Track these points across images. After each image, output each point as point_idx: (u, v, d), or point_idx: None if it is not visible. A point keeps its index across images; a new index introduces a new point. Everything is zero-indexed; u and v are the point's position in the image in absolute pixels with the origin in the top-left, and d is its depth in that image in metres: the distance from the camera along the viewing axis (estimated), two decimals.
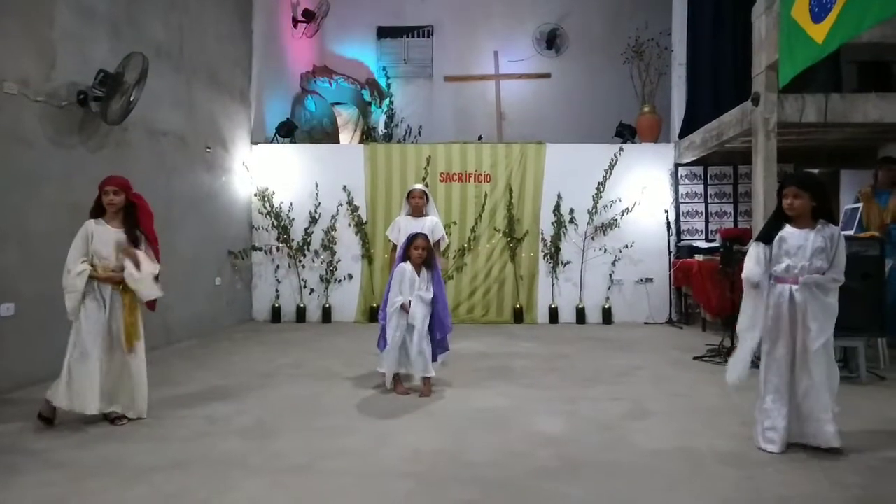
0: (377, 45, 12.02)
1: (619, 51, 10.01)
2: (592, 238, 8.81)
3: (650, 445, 3.53)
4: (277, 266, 8.93)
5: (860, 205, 6.17)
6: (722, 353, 5.88)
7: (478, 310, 8.82)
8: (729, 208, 8.87)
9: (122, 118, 5.70)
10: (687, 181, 8.89)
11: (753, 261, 3.52)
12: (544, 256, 8.84)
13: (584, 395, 4.67)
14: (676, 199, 8.86)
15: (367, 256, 8.89)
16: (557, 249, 8.78)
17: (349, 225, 8.93)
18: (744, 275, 3.55)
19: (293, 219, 8.90)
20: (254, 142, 9.00)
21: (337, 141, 9.94)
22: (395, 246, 5.46)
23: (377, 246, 8.82)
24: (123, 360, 3.95)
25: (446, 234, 6.13)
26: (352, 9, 11.55)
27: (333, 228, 8.89)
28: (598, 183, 8.80)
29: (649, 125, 9.34)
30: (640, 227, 8.77)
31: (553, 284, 8.81)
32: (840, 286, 3.41)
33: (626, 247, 8.72)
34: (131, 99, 5.62)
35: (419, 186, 5.66)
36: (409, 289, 4.65)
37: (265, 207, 8.90)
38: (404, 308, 4.60)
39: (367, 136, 10.49)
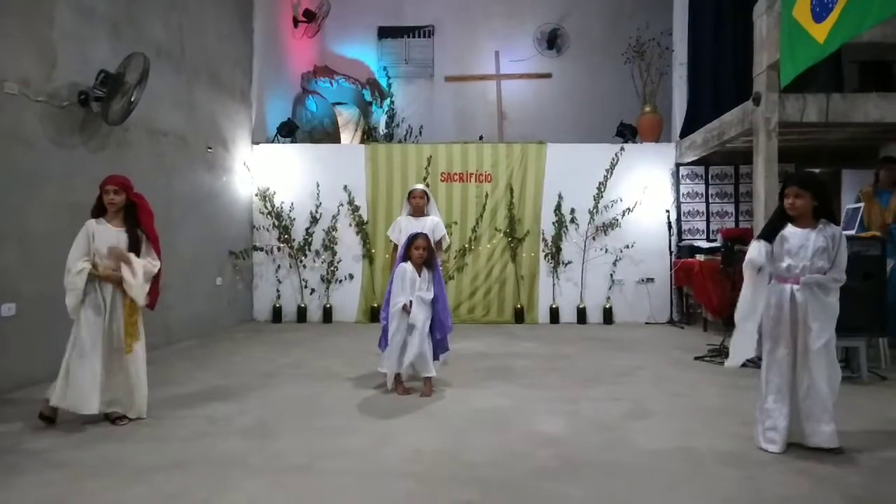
0: (378, 45, 12.01)
1: (620, 50, 10.01)
2: (593, 238, 8.80)
3: (651, 445, 3.53)
4: (278, 266, 8.93)
5: (861, 204, 6.16)
6: (723, 354, 5.87)
7: (478, 310, 8.81)
8: (730, 208, 8.86)
9: (123, 118, 5.71)
10: (688, 181, 8.88)
11: (756, 251, 3.52)
12: (545, 256, 8.83)
13: (584, 395, 4.67)
14: (677, 198, 8.86)
15: (368, 256, 8.89)
16: (558, 249, 8.78)
17: (350, 225, 8.93)
18: (747, 258, 3.54)
19: (294, 219, 8.91)
20: (255, 142, 9.00)
21: (338, 141, 9.95)
22: (396, 246, 5.46)
23: (378, 246, 8.82)
24: (123, 361, 3.95)
25: (447, 233, 6.13)
26: (352, 9, 11.54)
27: (334, 228, 8.89)
28: (599, 183, 8.80)
29: (650, 125, 9.34)
30: (641, 227, 8.76)
31: (554, 284, 8.81)
32: (841, 286, 3.41)
33: (627, 247, 8.72)
34: (132, 99, 5.63)
35: (420, 186, 5.67)
36: (410, 289, 4.64)
37: (266, 207, 8.90)
38: (405, 309, 4.60)
39: (368, 136, 10.49)
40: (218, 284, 8.02)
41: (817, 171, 8.10)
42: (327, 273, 8.88)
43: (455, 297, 8.62)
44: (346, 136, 10.21)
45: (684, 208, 8.87)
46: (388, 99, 11.58)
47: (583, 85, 11.31)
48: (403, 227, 5.42)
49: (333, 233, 8.88)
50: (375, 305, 8.62)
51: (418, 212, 5.48)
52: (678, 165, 8.87)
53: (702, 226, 8.87)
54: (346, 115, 10.35)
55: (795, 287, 3.41)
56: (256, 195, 8.94)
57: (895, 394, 4.70)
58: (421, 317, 4.65)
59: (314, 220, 8.89)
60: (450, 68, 11.81)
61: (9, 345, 4.76)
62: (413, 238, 4.73)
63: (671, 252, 8.62)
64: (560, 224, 8.78)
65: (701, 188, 8.89)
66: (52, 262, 4.21)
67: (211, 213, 7.86)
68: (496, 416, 4.12)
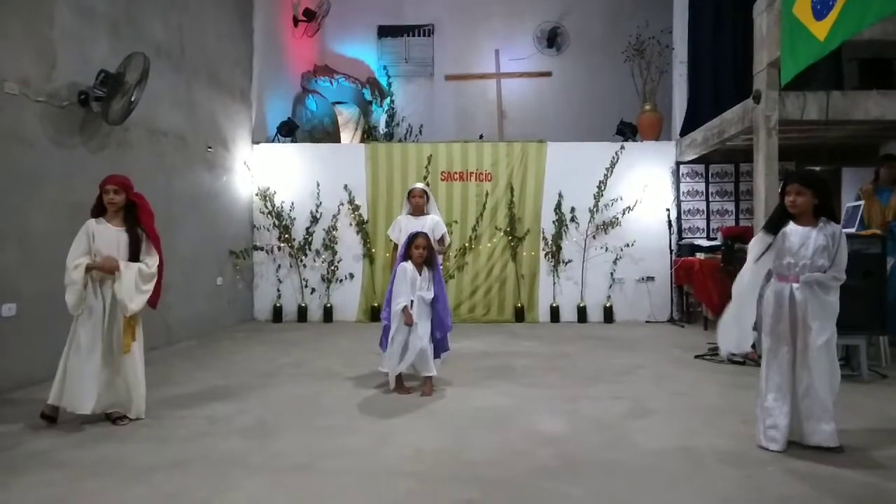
0: (378, 45, 12.01)
1: (620, 49, 10.02)
2: (594, 237, 8.80)
3: (651, 444, 3.53)
4: (279, 265, 8.93)
5: (861, 202, 6.16)
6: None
7: (479, 309, 8.81)
8: (730, 206, 8.86)
9: (123, 118, 5.71)
10: (688, 179, 8.88)
11: (760, 237, 3.53)
12: (545, 255, 8.83)
13: (585, 394, 4.66)
14: (678, 197, 8.85)
15: (369, 256, 8.88)
16: (559, 248, 8.78)
17: (350, 224, 8.93)
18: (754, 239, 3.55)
19: (294, 218, 8.91)
20: (255, 141, 9.00)
21: (338, 140, 9.95)
22: (396, 245, 5.47)
23: (378, 245, 8.82)
24: (121, 361, 3.95)
25: (448, 232, 6.12)
26: (352, 8, 11.54)
27: (335, 228, 8.89)
28: (600, 181, 8.79)
29: (650, 123, 9.34)
30: (642, 226, 8.76)
31: (554, 283, 8.81)
32: (841, 284, 3.41)
33: (628, 245, 8.71)
34: (132, 99, 5.63)
35: (420, 185, 5.67)
36: (411, 288, 4.64)
37: (266, 207, 8.90)
38: (406, 311, 4.60)
39: (368, 135, 10.49)
40: (218, 284, 8.02)
41: (818, 168, 8.09)
42: (328, 272, 8.88)
43: (455, 296, 8.62)
44: (346, 136, 10.21)
45: (684, 206, 8.86)
46: (388, 98, 11.58)
47: (583, 83, 11.30)
48: (403, 226, 5.43)
49: (334, 232, 8.88)
50: (376, 305, 8.62)
51: (418, 211, 5.48)
52: (678, 164, 8.86)
53: (702, 224, 8.87)
54: (347, 115, 10.35)
55: (795, 285, 3.40)
56: (257, 195, 8.94)
57: (895, 392, 4.70)
58: (421, 316, 4.65)
59: (314, 220, 8.89)
60: (450, 67, 11.80)
61: (9, 345, 4.76)
62: (413, 237, 4.73)
63: (671, 250, 8.62)
64: (560, 223, 8.78)
65: (701, 186, 8.88)
66: (52, 261, 4.21)
67: (211, 213, 7.86)
68: (497, 416, 4.12)
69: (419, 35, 11.96)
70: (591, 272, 8.79)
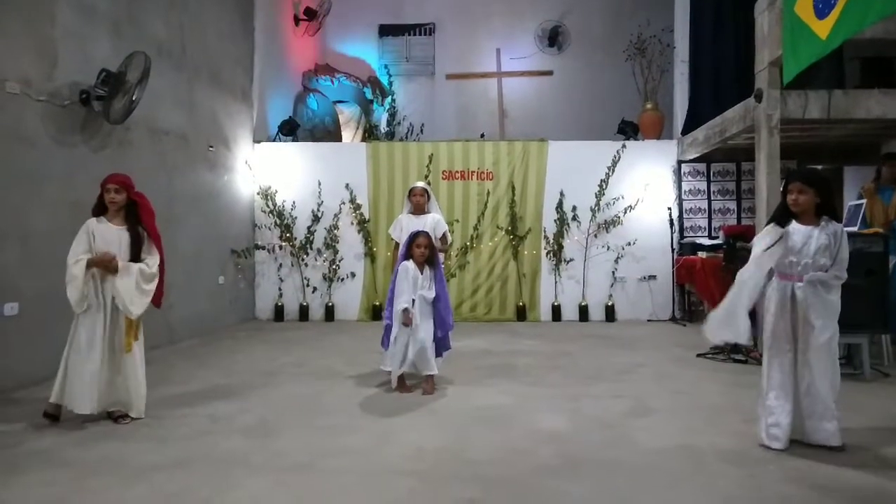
0: (379, 43, 12.01)
1: (622, 48, 10.01)
2: (595, 235, 8.79)
3: (652, 443, 3.53)
4: (280, 265, 8.93)
5: (864, 201, 6.15)
6: (725, 351, 5.87)
7: (480, 308, 8.81)
8: (732, 205, 8.85)
9: (124, 117, 5.71)
10: (690, 178, 8.87)
11: (769, 229, 3.50)
12: (547, 254, 8.82)
13: (586, 393, 4.66)
14: (679, 196, 8.84)
15: (370, 255, 8.88)
16: (560, 247, 8.77)
17: (352, 223, 8.93)
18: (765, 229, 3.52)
19: (296, 217, 8.91)
20: (256, 140, 9.00)
21: (339, 139, 9.94)
22: (397, 244, 5.47)
23: (380, 244, 8.82)
24: (122, 360, 3.95)
25: (449, 231, 6.11)
26: (353, 7, 11.55)
27: (336, 227, 8.89)
28: (601, 180, 8.79)
29: (652, 122, 9.33)
30: (643, 225, 8.75)
31: (556, 282, 8.80)
32: (844, 283, 3.41)
33: (629, 244, 8.71)
34: (133, 98, 5.64)
35: (420, 184, 5.67)
36: (413, 287, 4.64)
37: (268, 206, 8.90)
38: (407, 313, 4.59)
39: (370, 134, 10.49)
40: (220, 283, 8.03)
41: (819, 167, 8.08)
42: (329, 271, 8.88)
43: (457, 295, 8.62)
44: (347, 135, 10.21)
45: (686, 205, 8.85)
46: (390, 97, 11.58)
47: (584, 82, 11.30)
48: (404, 225, 5.43)
49: (335, 231, 8.88)
50: (377, 304, 8.62)
51: (419, 209, 5.48)
52: (680, 162, 8.85)
53: (703, 223, 8.86)
54: (348, 114, 10.34)
55: (797, 284, 3.40)
56: (258, 194, 8.94)
57: None
58: (423, 315, 4.65)
59: (316, 219, 8.89)
60: (451, 66, 11.79)
61: (11, 344, 4.77)
62: (414, 236, 4.73)
63: (673, 249, 8.61)
64: (562, 222, 8.78)
65: (703, 185, 8.87)
66: (53, 261, 4.21)
67: (212, 212, 7.86)
68: (498, 414, 4.12)
69: (420, 34, 11.96)
70: (592, 271, 8.79)
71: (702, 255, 8.02)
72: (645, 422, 3.96)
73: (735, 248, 6.44)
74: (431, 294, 4.70)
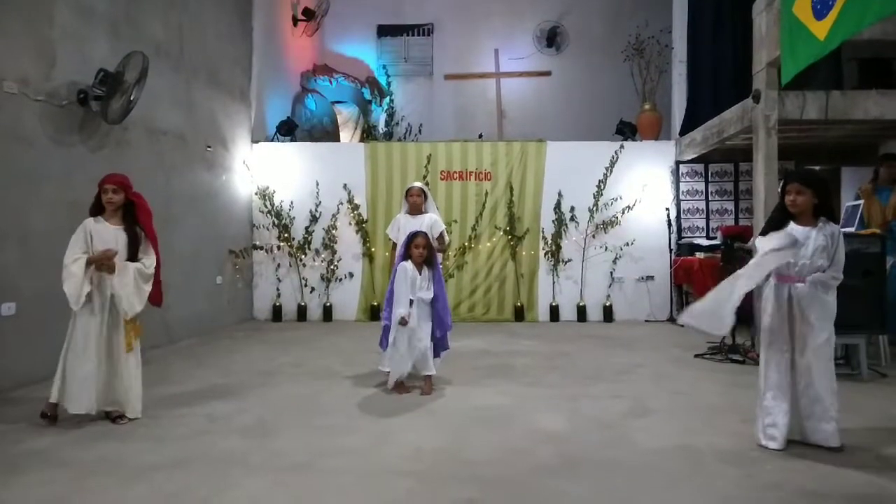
0: (377, 44, 12.01)
1: (620, 48, 10.02)
2: (593, 236, 8.80)
3: (651, 443, 3.53)
4: (278, 265, 8.93)
5: (861, 202, 6.16)
6: (723, 351, 5.88)
7: (478, 308, 8.81)
8: (730, 206, 8.86)
9: (122, 117, 5.70)
10: (688, 178, 8.88)
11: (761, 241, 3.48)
12: (545, 254, 8.83)
13: (584, 393, 4.67)
14: (677, 196, 8.85)
15: (368, 255, 8.88)
16: (558, 247, 8.78)
17: (350, 223, 8.93)
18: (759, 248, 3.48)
19: (294, 217, 8.90)
20: (254, 140, 9.00)
21: (337, 139, 9.95)
22: (395, 244, 5.47)
23: (378, 244, 8.82)
24: (119, 360, 3.94)
25: (447, 231, 6.11)
26: (352, 7, 11.54)
27: (334, 227, 8.89)
28: (599, 181, 8.80)
29: (650, 123, 9.34)
30: (641, 225, 8.76)
31: (554, 282, 8.81)
32: (841, 283, 3.42)
33: (627, 244, 8.71)
34: (131, 98, 5.62)
35: (417, 184, 5.68)
36: (411, 288, 4.64)
37: (266, 206, 8.90)
38: (404, 320, 4.58)
39: (368, 134, 10.49)
40: (218, 283, 8.02)
41: (817, 168, 8.09)
42: (327, 272, 8.88)
43: (455, 295, 8.63)
44: (345, 135, 10.21)
45: (684, 206, 8.86)
46: (388, 97, 11.59)
47: (582, 83, 11.31)
48: (402, 225, 5.44)
49: (333, 231, 8.88)
50: (375, 304, 8.63)
51: (416, 210, 5.48)
52: (678, 163, 8.87)
53: (701, 223, 8.87)
54: (346, 114, 10.35)
55: (795, 285, 3.41)
56: (256, 194, 8.94)
57: (895, 391, 4.70)
58: (422, 316, 4.65)
59: (314, 219, 8.89)
60: (449, 66, 11.80)
61: (9, 344, 4.76)
62: (413, 237, 4.73)
63: (671, 250, 8.62)
64: (560, 222, 8.78)
65: (701, 186, 8.88)
66: (51, 260, 4.20)
67: (210, 212, 7.86)
68: (496, 414, 4.12)
69: (419, 34, 11.96)
70: (590, 271, 8.80)
71: (699, 255, 8.04)
72: (643, 422, 3.96)
73: (733, 249, 6.44)
74: (429, 295, 4.69)
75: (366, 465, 3.23)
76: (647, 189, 8.78)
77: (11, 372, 4.75)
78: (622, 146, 8.86)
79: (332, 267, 8.88)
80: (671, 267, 8.57)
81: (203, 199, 7.68)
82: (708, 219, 8.86)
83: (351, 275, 8.92)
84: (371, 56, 11.97)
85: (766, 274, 3.43)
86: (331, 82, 10.74)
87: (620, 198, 8.79)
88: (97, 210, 4.00)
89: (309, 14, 10.48)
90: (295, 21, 10.37)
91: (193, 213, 7.41)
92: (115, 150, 6.01)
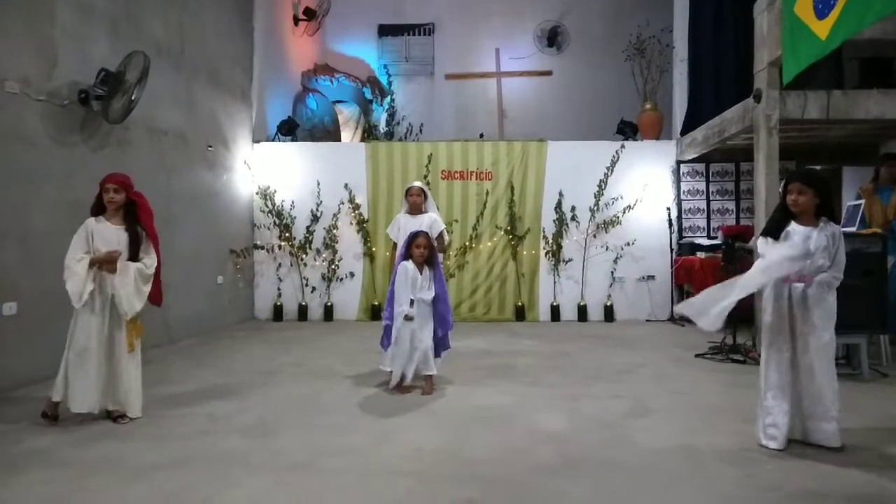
0: (378, 43, 12.02)
1: (621, 48, 10.01)
2: (594, 235, 8.79)
3: (651, 443, 3.53)
4: (279, 264, 8.93)
5: (862, 201, 6.16)
6: (724, 351, 5.88)
7: (479, 308, 8.81)
8: (731, 205, 8.85)
9: (123, 117, 5.71)
10: (689, 178, 8.87)
11: (762, 247, 3.47)
12: (546, 254, 8.82)
13: (585, 393, 4.67)
14: (678, 196, 8.85)
15: (369, 254, 8.88)
16: (559, 247, 8.77)
17: (351, 223, 8.93)
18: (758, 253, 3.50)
19: (295, 217, 8.90)
20: (255, 140, 9.00)
21: (338, 139, 9.95)
22: (395, 244, 5.47)
23: (379, 244, 8.82)
24: (119, 360, 3.95)
25: (447, 231, 6.11)
26: (353, 7, 11.55)
27: (335, 227, 8.89)
28: (600, 180, 8.79)
29: (651, 122, 9.33)
30: (642, 225, 8.75)
31: (555, 282, 8.80)
32: (842, 283, 3.42)
33: (628, 244, 8.70)
34: (132, 98, 5.63)
35: (417, 184, 5.68)
36: (412, 288, 4.64)
37: (267, 206, 8.90)
38: (408, 318, 4.59)
39: (369, 134, 10.49)
40: (219, 283, 8.03)
41: (818, 167, 8.08)
42: (328, 271, 8.88)
43: (456, 295, 8.62)
44: (346, 135, 10.22)
45: (685, 205, 8.86)
46: (389, 97, 11.59)
47: (583, 82, 11.30)
48: (402, 225, 5.45)
49: (334, 231, 8.88)
50: (376, 303, 8.62)
51: (415, 209, 5.49)
52: (679, 163, 8.86)
53: (702, 223, 8.86)
54: (347, 114, 10.35)
55: (796, 285, 3.41)
56: (257, 193, 8.94)
57: None
58: (423, 317, 4.65)
59: (315, 219, 8.89)
60: (450, 66, 11.80)
61: (10, 343, 4.76)
62: (414, 236, 4.73)
63: (672, 249, 8.62)
64: (561, 222, 8.78)
65: (702, 185, 8.87)
66: (52, 260, 4.20)
67: (211, 212, 7.86)
68: (497, 414, 4.12)
69: (419, 34, 11.96)
70: (591, 271, 8.79)
71: (700, 255, 8.04)
72: (644, 422, 3.96)
73: (734, 249, 6.44)
74: (430, 295, 4.69)
75: (366, 465, 3.23)
76: (647, 189, 8.77)
77: (12, 372, 4.76)
78: (623, 146, 8.85)
79: (332, 266, 8.88)
80: (672, 267, 8.56)
81: (204, 198, 7.68)
82: (709, 218, 8.85)
83: (352, 274, 8.92)
84: (372, 56, 11.97)
85: (772, 280, 3.43)
86: (332, 82, 10.74)
87: (621, 197, 8.79)
88: (98, 210, 4.00)
89: (310, 13, 10.48)
90: (296, 20, 10.37)
91: (194, 213, 7.41)
92: (117, 150, 6.02)
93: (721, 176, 8.86)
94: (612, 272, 8.76)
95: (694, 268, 7.90)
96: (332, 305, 8.82)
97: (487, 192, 8.86)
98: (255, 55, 8.98)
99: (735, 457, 3.30)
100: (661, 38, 9.59)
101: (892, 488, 2.92)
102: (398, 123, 11.32)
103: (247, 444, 3.55)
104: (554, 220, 8.80)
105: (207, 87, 7.74)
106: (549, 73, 11.55)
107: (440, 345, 4.85)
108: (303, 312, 8.80)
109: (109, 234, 3.94)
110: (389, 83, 11.70)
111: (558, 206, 8.79)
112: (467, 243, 8.84)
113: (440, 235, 5.49)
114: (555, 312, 8.73)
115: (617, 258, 8.75)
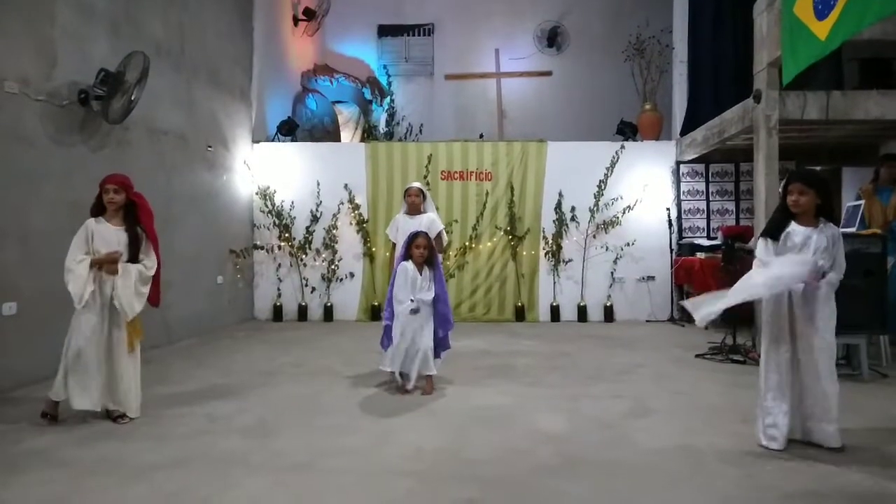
0: (378, 44, 12.02)
1: (621, 48, 10.01)
2: (594, 236, 8.79)
3: (651, 443, 3.53)
4: (279, 264, 8.93)
5: (862, 202, 6.16)
6: (724, 351, 5.88)
7: (479, 308, 8.81)
8: (731, 206, 8.85)
9: (123, 117, 5.71)
10: (688, 179, 8.87)
11: (762, 250, 3.49)
12: (546, 254, 8.83)
13: (585, 393, 4.66)
14: (678, 196, 8.85)
15: (369, 255, 8.88)
16: (559, 247, 8.78)
17: (350, 223, 8.93)
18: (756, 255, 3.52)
19: (294, 217, 8.90)
20: (255, 140, 9.00)
21: (338, 139, 9.95)
22: (394, 244, 5.47)
23: (378, 244, 8.82)
24: (119, 360, 3.94)
25: (446, 231, 6.11)
26: (352, 7, 11.55)
27: (335, 227, 8.89)
28: (600, 181, 8.79)
29: (650, 123, 9.34)
30: (642, 225, 8.75)
31: (554, 282, 8.80)
32: (842, 283, 3.43)
33: (628, 245, 8.71)
34: (132, 98, 5.63)
35: (416, 184, 5.68)
36: (412, 288, 4.65)
37: (266, 206, 8.90)
38: (413, 312, 4.60)
39: (368, 134, 10.49)
40: (219, 283, 8.02)
41: (818, 168, 8.09)
42: (328, 272, 8.88)
43: (456, 295, 8.62)
44: (346, 135, 10.22)
45: (685, 206, 8.86)
46: (388, 97, 11.59)
47: (583, 83, 11.31)
48: (400, 225, 5.46)
49: (334, 231, 8.88)
50: (376, 304, 8.62)
51: (414, 209, 5.49)
52: (678, 163, 8.86)
53: (702, 223, 8.87)
54: (347, 114, 10.35)
55: (798, 285, 3.40)
56: (257, 194, 8.94)
57: None
58: (422, 316, 4.65)
59: (315, 219, 8.89)
60: (450, 66, 11.80)
61: (10, 343, 4.76)
62: (413, 237, 4.73)
63: (672, 250, 8.62)
64: (560, 222, 8.78)
65: (701, 186, 8.88)
66: (52, 260, 4.20)
67: (211, 212, 7.86)
68: (497, 414, 4.12)
69: (419, 34, 11.97)
70: (591, 271, 8.79)
71: (700, 255, 8.04)
72: (644, 422, 3.96)
73: (734, 249, 6.45)
74: (430, 295, 4.69)
75: (366, 465, 3.23)
76: (647, 189, 8.77)
77: (12, 371, 4.75)
78: (623, 146, 8.86)
79: (332, 267, 8.88)
80: (672, 267, 8.56)
81: (204, 198, 7.68)
82: (709, 219, 8.86)
83: (352, 275, 8.92)
84: (372, 56, 11.97)
85: (773, 294, 3.43)
86: (331, 82, 10.74)
87: (621, 198, 8.79)
88: (98, 210, 4.00)
89: (310, 14, 10.48)
90: (296, 21, 10.37)
91: (194, 213, 7.41)
92: (116, 150, 6.01)
93: (721, 176, 8.86)
94: (612, 272, 8.77)
95: (694, 268, 7.90)
96: (331, 306, 8.82)
97: (487, 193, 8.86)
98: (255, 55, 8.98)
99: (735, 457, 3.30)
100: (660, 38, 9.59)
101: (892, 488, 2.92)
102: (398, 124, 11.33)
103: (246, 444, 3.55)
104: (554, 221, 8.80)
105: (207, 87, 7.74)
106: (548, 73, 11.56)
107: (440, 345, 4.85)
108: (302, 313, 8.80)
109: (109, 235, 3.93)
110: (389, 83, 11.70)
111: (558, 206, 8.80)
112: (467, 244, 8.84)
113: (439, 236, 5.48)
114: (555, 313, 8.73)
115: (617, 258, 8.75)
